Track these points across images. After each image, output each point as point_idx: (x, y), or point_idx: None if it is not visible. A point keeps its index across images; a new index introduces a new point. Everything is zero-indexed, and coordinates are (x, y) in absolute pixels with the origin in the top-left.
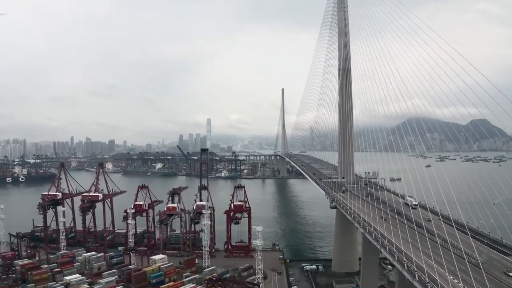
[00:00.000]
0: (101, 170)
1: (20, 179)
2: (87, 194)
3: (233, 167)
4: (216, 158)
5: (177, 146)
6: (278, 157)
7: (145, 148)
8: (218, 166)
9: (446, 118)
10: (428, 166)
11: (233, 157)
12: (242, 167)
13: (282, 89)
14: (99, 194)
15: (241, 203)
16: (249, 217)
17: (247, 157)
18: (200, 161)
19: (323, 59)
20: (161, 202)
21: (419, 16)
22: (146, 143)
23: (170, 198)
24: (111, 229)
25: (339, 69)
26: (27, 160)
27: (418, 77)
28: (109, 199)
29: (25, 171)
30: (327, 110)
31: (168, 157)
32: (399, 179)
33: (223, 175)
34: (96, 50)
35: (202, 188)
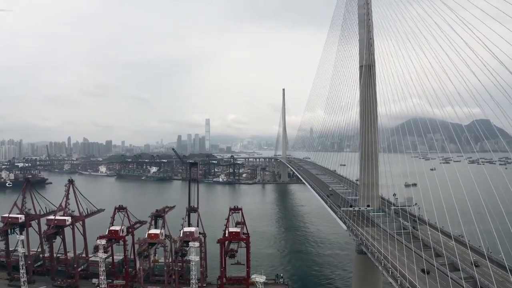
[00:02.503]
0: (71, 186)
1: (7, 184)
2: (53, 217)
3: (231, 171)
4: (214, 161)
5: (173, 149)
6: (278, 160)
7: (143, 148)
8: (216, 170)
9: (447, 118)
10: (433, 169)
11: (232, 161)
12: (241, 171)
13: (283, 90)
14: (66, 218)
15: (238, 230)
16: (248, 246)
17: (246, 160)
18: (197, 166)
19: (333, 56)
20: (144, 223)
21: (415, 14)
22: (145, 143)
23: (153, 222)
24: (84, 255)
25: (361, 66)
26: (17, 164)
27: (418, 77)
28: (81, 222)
29: (12, 176)
30: (336, 111)
31: (164, 160)
32: (414, 185)
33: (220, 180)
34: (90, 49)
35: (191, 210)
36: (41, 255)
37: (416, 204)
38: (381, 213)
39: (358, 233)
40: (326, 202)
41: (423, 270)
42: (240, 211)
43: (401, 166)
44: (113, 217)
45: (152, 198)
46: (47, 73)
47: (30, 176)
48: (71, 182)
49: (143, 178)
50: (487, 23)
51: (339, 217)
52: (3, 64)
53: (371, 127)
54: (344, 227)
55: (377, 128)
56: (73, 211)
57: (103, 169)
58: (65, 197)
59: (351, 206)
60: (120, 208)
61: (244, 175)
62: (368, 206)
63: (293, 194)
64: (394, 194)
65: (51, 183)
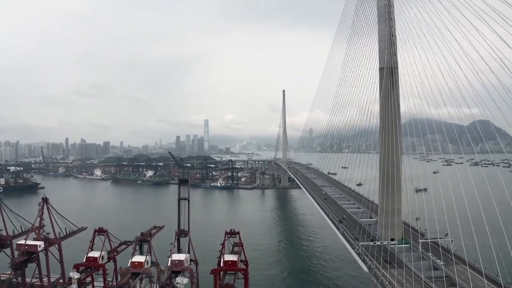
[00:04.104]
0: (45, 205)
1: None
2: (23, 242)
3: (229, 174)
4: (211, 165)
5: (169, 152)
6: (278, 164)
7: (141, 149)
8: (214, 173)
9: (447, 119)
10: (436, 172)
11: (230, 165)
12: (239, 174)
13: (283, 91)
14: (38, 243)
15: (235, 258)
16: (246, 278)
17: (245, 163)
18: (195, 169)
19: (342, 54)
20: (129, 244)
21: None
22: (143, 144)
23: (138, 246)
24: (61, 281)
25: (381, 68)
26: (8, 167)
27: (417, 76)
28: (57, 245)
29: (3, 181)
30: (342, 113)
31: (160, 163)
32: (425, 190)
33: (218, 184)
34: (89, 49)
35: (181, 233)
36: (14, 280)
37: (447, 234)
38: (402, 243)
39: (385, 282)
40: (338, 229)
41: None
42: (238, 235)
43: (403, 167)
44: (92, 241)
45: (145, 206)
46: (46, 73)
47: (22, 181)
48: (44, 200)
49: (138, 182)
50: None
51: (356, 253)
52: (1, 63)
53: (394, 144)
54: (365, 268)
55: (402, 145)
56: (48, 233)
57: (98, 172)
58: (38, 217)
59: (371, 240)
60: (101, 231)
61: (243, 179)
62: (393, 240)
63: (293, 201)
64: (417, 218)
65: (43, 187)
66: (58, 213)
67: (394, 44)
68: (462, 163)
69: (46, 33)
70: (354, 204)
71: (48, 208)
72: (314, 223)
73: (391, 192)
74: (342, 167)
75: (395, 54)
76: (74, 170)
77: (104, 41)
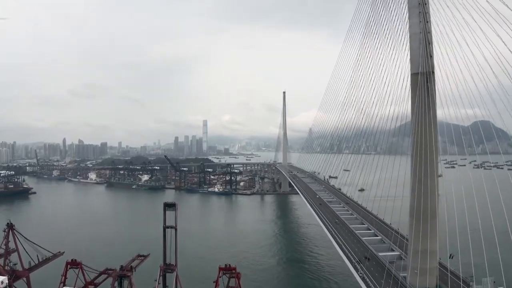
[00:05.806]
0: (10, 231)
1: None
2: None
3: (227, 178)
4: (209, 169)
5: (165, 156)
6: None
7: (139, 150)
8: (211, 177)
9: (446, 119)
10: (439, 175)
11: (228, 170)
12: (238, 178)
13: (284, 92)
14: (0, 279)
15: None
16: None
17: (244, 166)
18: (193, 173)
19: (354, 54)
20: (109, 273)
21: None
22: (142, 144)
23: (117, 283)
24: None
25: (415, 74)
26: (1, 171)
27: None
28: (25, 278)
29: None
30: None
31: (156, 167)
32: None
33: (216, 190)
34: (83, 50)
35: (167, 268)
36: None
37: (493, 279)
38: None
39: None
40: (356, 270)
41: None
42: (234, 270)
43: (404, 169)
44: (64, 275)
45: (137, 214)
46: (43, 74)
47: (12, 186)
48: (9, 226)
49: (134, 186)
50: None
51: None
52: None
53: (428, 169)
54: None
55: (437, 171)
56: (15, 264)
57: (92, 175)
58: (4, 244)
59: None
60: (73, 264)
61: (241, 183)
62: None
63: (294, 210)
64: (451, 256)
65: (35, 193)
66: (27, 239)
67: (430, 43)
68: (465, 165)
69: (41, 33)
70: (370, 230)
71: (14, 235)
72: (319, 236)
73: (423, 228)
74: (344, 170)
75: (431, 56)
76: (69, 173)
77: (101, 41)
